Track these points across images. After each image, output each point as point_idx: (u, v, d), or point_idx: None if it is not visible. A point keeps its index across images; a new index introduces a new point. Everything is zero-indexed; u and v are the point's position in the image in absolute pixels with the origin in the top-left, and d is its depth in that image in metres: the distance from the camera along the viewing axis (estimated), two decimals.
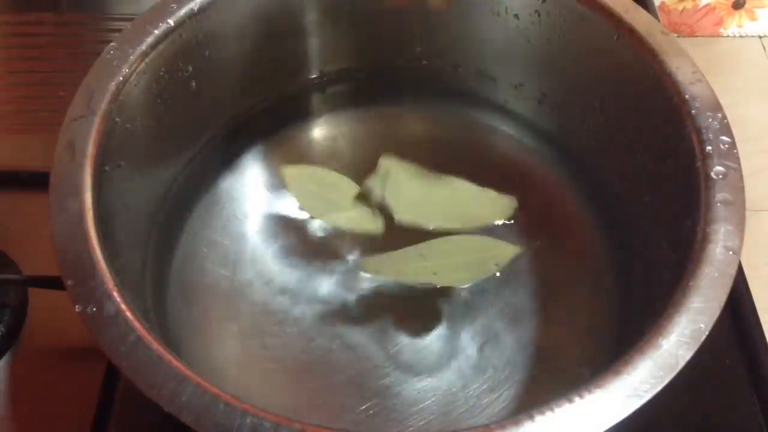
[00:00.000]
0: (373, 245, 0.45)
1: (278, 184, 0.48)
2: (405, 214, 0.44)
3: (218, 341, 0.42)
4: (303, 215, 0.47)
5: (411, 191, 0.45)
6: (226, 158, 0.49)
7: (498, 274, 0.42)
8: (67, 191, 0.36)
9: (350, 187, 0.46)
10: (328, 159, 0.50)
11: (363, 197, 0.46)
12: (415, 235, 0.43)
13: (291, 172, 0.47)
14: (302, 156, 0.50)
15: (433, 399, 0.40)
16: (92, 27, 0.60)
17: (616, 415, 0.31)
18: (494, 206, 0.44)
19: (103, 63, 0.41)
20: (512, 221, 0.44)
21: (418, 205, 0.44)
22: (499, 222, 0.44)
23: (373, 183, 0.45)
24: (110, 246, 0.36)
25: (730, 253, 0.35)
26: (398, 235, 0.44)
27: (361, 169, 0.49)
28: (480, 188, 0.44)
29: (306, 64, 0.52)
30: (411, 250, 0.42)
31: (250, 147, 0.50)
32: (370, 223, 0.45)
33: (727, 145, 0.38)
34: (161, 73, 0.43)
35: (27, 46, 0.59)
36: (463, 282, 0.42)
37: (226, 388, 0.31)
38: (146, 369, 0.31)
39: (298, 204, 0.46)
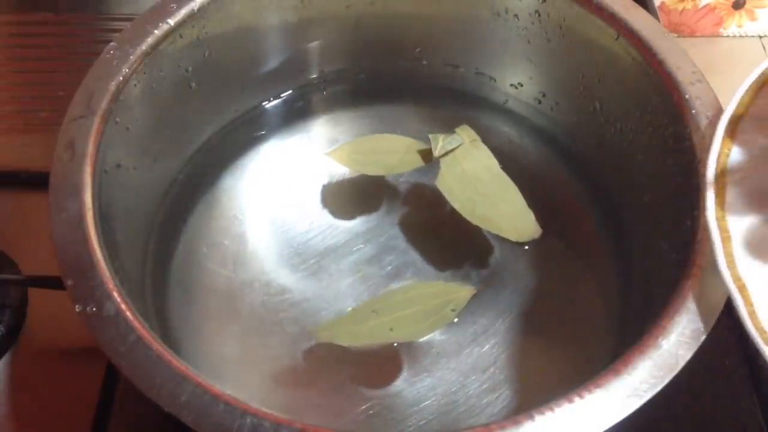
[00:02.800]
0: (378, 242, 0.45)
1: (278, 184, 0.48)
2: (443, 184, 0.44)
3: (218, 341, 0.42)
4: (303, 215, 0.47)
5: (462, 169, 0.45)
6: (226, 158, 0.49)
7: (456, 320, 0.42)
8: (67, 191, 0.36)
9: (397, 138, 0.47)
10: (329, 159, 0.50)
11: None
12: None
13: (338, 154, 0.47)
14: (302, 155, 0.50)
15: (433, 399, 0.40)
16: (92, 27, 0.60)
17: (616, 415, 0.31)
18: (520, 225, 0.43)
19: (103, 63, 0.41)
20: (523, 245, 0.44)
21: (458, 183, 0.44)
22: (511, 239, 0.43)
23: (436, 141, 0.46)
24: (110, 246, 0.36)
25: None
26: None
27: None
28: (524, 204, 0.44)
29: (306, 64, 0.52)
30: (363, 308, 0.41)
31: (250, 147, 0.50)
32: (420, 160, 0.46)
33: None
34: (161, 73, 0.43)
35: (27, 46, 0.59)
36: (420, 335, 0.41)
37: (226, 388, 0.31)
38: (146, 369, 0.31)
39: (364, 172, 0.47)
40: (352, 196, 0.48)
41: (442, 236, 0.46)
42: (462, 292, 0.41)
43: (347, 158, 0.47)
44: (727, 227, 0.34)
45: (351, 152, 0.47)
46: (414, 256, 0.45)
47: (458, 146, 0.46)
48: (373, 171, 0.47)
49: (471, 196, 0.44)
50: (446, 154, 0.46)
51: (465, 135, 0.47)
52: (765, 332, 0.32)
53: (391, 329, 0.40)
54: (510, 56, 0.50)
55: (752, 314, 0.32)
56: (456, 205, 0.44)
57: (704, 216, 0.35)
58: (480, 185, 0.44)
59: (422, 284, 0.43)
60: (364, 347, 0.41)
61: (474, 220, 0.43)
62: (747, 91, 0.37)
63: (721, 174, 0.36)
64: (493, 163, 0.45)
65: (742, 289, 0.33)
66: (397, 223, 0.47)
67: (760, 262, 0.34)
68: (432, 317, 0.40)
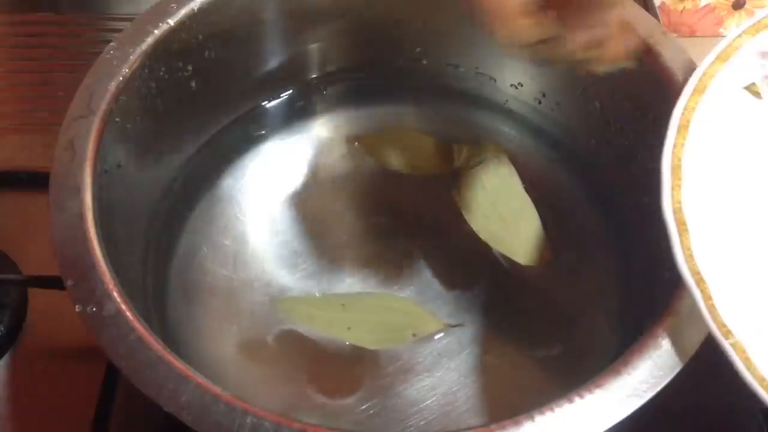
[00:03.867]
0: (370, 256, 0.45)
1: (278, 184, 0.48)
2: (460, 196, 0.44)
3: (218, 341, 0.42)
4: (303, 215, 0.47)
5: (483, 184, 0.45)
6: (226, 158, 0.49)
7: (413, 340, 0.41)
8: (67, 191, 0.36)
9: (426, 138, 0.47)
10: (329, 159, 0.50)
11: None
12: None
13: (365, 142, 0.47)
14: (302, 155, 0.50)
15: (433, 399, 0.40)
16: (92, 27, 0.60)
17: (616, 415, 0.31)
18: (532, 248, 0.43)
19: (103, 63, 0.41)
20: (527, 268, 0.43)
21: (475, 197, 0.44)
22: (520, 262, 0.43)
23: (460, 151, 0.46)
24: (110, 246, 0.36)
25: None
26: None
27: (361, 169, 0.49)
28: (539, 227, 0.43)
29: (306, 64, 0.52)
30: (334, 299, 0.41)
31: (250, 147, 0.50)
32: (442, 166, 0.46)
33: None
34: (161, 73, 0.43)
35: (27, 46, 0.59)
36: (373, 344, 0.40)
37: (226, 388, 0.31)
38: (146, 369, 0.31)
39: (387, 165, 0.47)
40: (353, 197, 0.48)
41: (448, 244, 0.46)
42: (430, 324, 0.41)
43: (372, 148, 0.47)
44: (684, 219, 0.34)
45: (377, 143, 0.47)
46: (413, 258, 0.45)
47: (482, 160, 0.45)
48: (393, 166, 0.46)
49: (486, 213, 0.43)
50: (469, 166, 0.45)
51: (491, 150, 0.46)
52: (724, 326, 0.31)
53: (348, 328, 0.40)
54: (510, 56, 0.50)
55: (711, 308, 0.32)
56: (469, 219, 0.43)
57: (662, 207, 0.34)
58: (499, 203, 0.44)
59: (397, 299, 0.42)
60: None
61: (485, 237, 0.43)
62: (700, 77, 0.37)
63: (677, 165, 0.35)
64: (516, 182, 0.45)
65: (700, 282, 0.32)
66: (400, 226, 0.47)
67: (719, 254, 0.33)
68: (391, 333, 0.40)
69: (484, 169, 0.45)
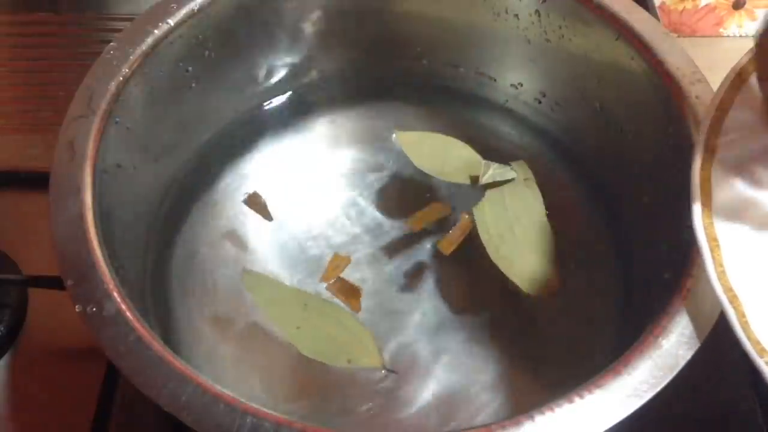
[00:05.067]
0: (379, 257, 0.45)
1: (278, 184, 0.48)
2: (479, 212, 0.43)
3: (218, 341, 0.42)
4: (303, 215, 0.47)
5: (505, 204, 0.44)
6: (226, 158, 0.49)
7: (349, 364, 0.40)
8: (67, 191, 0.36)
9: (464, 148, 0.47)
10: (329, 159, 0.50)
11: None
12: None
13: (403, 138, 0.47)
14: (302, 155, 0.50)
15: (433, 399, 0.40)
16: (92, 27, 0.60)
17: (616, 415, 0.31)
18: (539, 279, 0.42)
19: (103, 63, 0.41)
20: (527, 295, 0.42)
21: (494, 216, 0.43)
22: (524, 290, 0.42)
23: (486, 168, 0.45)
24: (110, 246, 0.36)
25: None
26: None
27: (360, 168, 0.49)
28: (553, 258, 0.43)
29: (306, 64, 0.52)
30: (301, 295, 0.41)
31: (250, 147, 0.50)
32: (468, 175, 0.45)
33: None
34: (161, 73, 0.43)
35: (27, 46, 0.59)
36: (307, 351, 0.39)
37: (225, 388, 0.31)
38: (146, 369, 0.31)
39: (416, 164, 0.46)
40: (354, 197, 0.48)
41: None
42: (369, 359, 0.40)
43: (408, 144, 0.46)
44: (715, 235, 0.33)
45: (415, 141, 0.47)
46: (412, 262, 0.45)
47: (509, 180, 0.45)
48: (423, 167, 0.46)
49: (503, 234, 0.43)
50: (494, 184, 0.45)
51: (520, 171, 0.46)
52: (759, 343, 0.31)
53: (297, 327, 0.40)
54: (510, 56, 0.50)
55: (745, 325, 0.31)
56: (483, 237, 0.43)
57: (693, 223, 0.34)
58: (517, 227, 0.43)
59: (357, 323, 0.41)
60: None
61: (494, 258, 0.42)
62: (721, 95, 0.36)
63: (706, 179, 0.35)
64: (539, 208, 0.44)
65: (733, 299, 0.32)
66: (400, 228, 0.47)
67: (751, 270, 0.33)
68: (330, 350, 0.40)
69: (509, 189, 0.45)
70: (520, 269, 0.42)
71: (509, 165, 0.46)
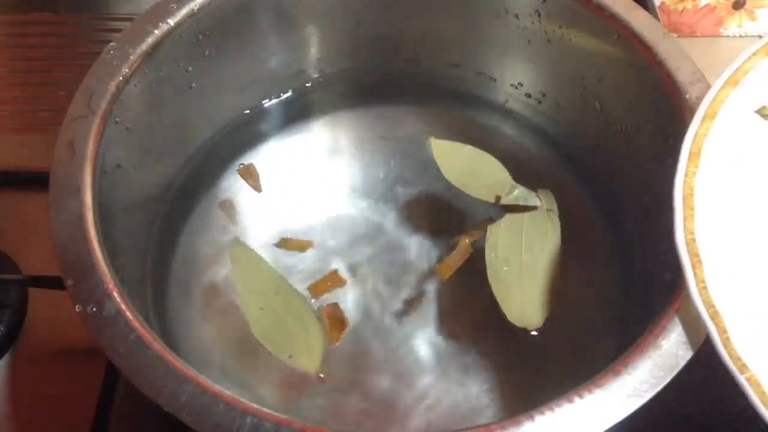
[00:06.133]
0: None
1: (278, 184, 0.48)
2: (494, 230, 0.43)
3: (218, 341, 0.42)
4: (303, 215, 0.47)
5: (522, 230, 0.43)
6: (226, 158, 0.49)
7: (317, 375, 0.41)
8: (67, 191, 0.36)
9: (498, 169, 0.46)
10: (329, 159, 0.50)
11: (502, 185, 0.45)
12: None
13: (437, 145, 0.46)
14: (302, 155, 0.50)
15: (433, 399, 0.40)
16: (92, 27, 0.60)
17: (616, 415, 0.31)
18: (527, 311, 0.41)
19: (103, 63, 0.41)
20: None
21: (506, 238, 0.43)
22: (509, 318, 0.41)
23: (511, 190, 0.44)
24: (110, 246, 0.36)
25: None
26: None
27: (361, 168, 0.49)
28: (547, 295, 0.42)
29: (306, 64, 0.52)
30: (277, 280, 0.42)
31: (250, 147, 0.50)
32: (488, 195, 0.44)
33: None
34: (161, 73, 0.43)
35: (27, 46, 0.59)
36: (259, 335, 0.40)
37: (226, 388, 0.31)
38: (146, 369, 0.31)
39: (444, 174, 0.45)
40: (354, 196, 0.48)
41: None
42: (311, 363, 0.40)
43: (441, 153, 0.46)
44: (697, 250, 0.33)
45: (448, 151, 0.46)
46: (412, 262, 0.45)
47: (531, 207, 0.44)
48: (451, 178, 0.45)
49: (509, 258, 0.42)
50: (517, 208, 0.44)
51: (545, 200, 0.45)
52: (740, 360, 0.30)
53: (260, 308, 0.41)
54: (510, 56, 0.50)
55: (726, 341, 0.31)
56: (489, 257, 0.42)
57: (675, 238, 0.33)
58: (526, 254, 0.42)
59: (315, 322, 0.41)
60: (366, 344, 0.42)
61: (491, 280, 0.41)
62: (711, 102, 0.36)
63: (689, 194, 0.34)
64: (554, 240, 0.43)
65: (714, 315, 0.31)
66: (399, 229, 0.47)
67: (733, 286, 0.32)
68: (279, 339, 0.40)
69: (530, 217, 0.44)
70: (512, 297, 0.41)
71: (535, 192, 0.45)
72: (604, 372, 0.32)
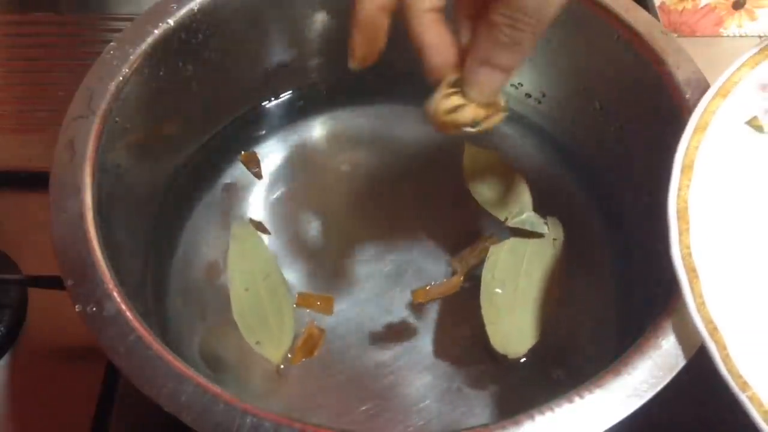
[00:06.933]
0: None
1: (278, 184, 0.48)
2: (496, 250, 0.42)
3: (218, 341, 0.42)
4: (303, 215, 0.47)
5: (525, 255, 0.43)
6: (226, 158, 0.49)
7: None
8: (67, 191, 0.36)
9: (521, 185, 0.45)
10: (329, 159, 0.50)
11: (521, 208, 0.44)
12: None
13: (469, 151, 0.46)
14: (302, 155, 0.50)
15: (433, 399, 0.40)
16: (92, 27, 0.60)
17: (616, 415, 0.31)
18: (513, 340, 0.40)
19: (103, 63, 0.41)
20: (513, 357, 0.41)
21: (506, 260, 0.42)
22: (492, 344, 0.40)
23: (520, 212, 0.44)
24: (110, 246, 0.36)
25: None
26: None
27: (361, 169, 0.49)
28: (537, 326, 0.41)
29: (306, 63, 0.52)
30: (271, 265, 0.43)
31: (250, 146, 0.50)
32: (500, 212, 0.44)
33: None
34: (161, 74, 0.43)
35: (27, 46, 0.59)
36: (236, 315, 0.41)
37: (225, 389, 0.31)
38: (146, 369, 0.31)
39: (467, 180, 0.45)
40: (354, 196, 0.48)
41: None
42: (275, 353, 0.40)
43: (470, 159, 0.46)
44: (694, 265, 0.32)
45: (478, 159, 0.46)
46: (412, 262, 0.45)
47: (537, 234, 0.44)
48: (471, 187, 0.45)
49: (505, 281, 0.42)
50: (523, 232, 0.44)
51: (553, 230, 0.45)
52: (741, 377, 0.30)
53: (246, 289, 0.42)
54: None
55: (726, 358, 0.30)
56: (485, 277, 0.42)
57: (670, 253, 0.33)
58: (523, 281, 0.42)
59: (291, 318, 0.42)
60: (366, 344, 0.42)
61: (482, 300, 0.41)
62: (701, 114, 0.36)
63: (684, 207, 0.34)
64: (555, 271, 0.43)
65: (713, 332, 0.31)
66: (398, 226, 0.47)
67: (732, 301, 0.32)
68: (253, 323, 0.41)
69: (534, 243, 0.44)
70: (501, 322, 0.41)
71: (545, 219, 0.44)
72: (604, 372, 0.32)
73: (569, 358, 0.42)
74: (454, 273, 0.44)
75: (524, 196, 0.45)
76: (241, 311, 0.41)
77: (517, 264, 0.42)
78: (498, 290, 0.41)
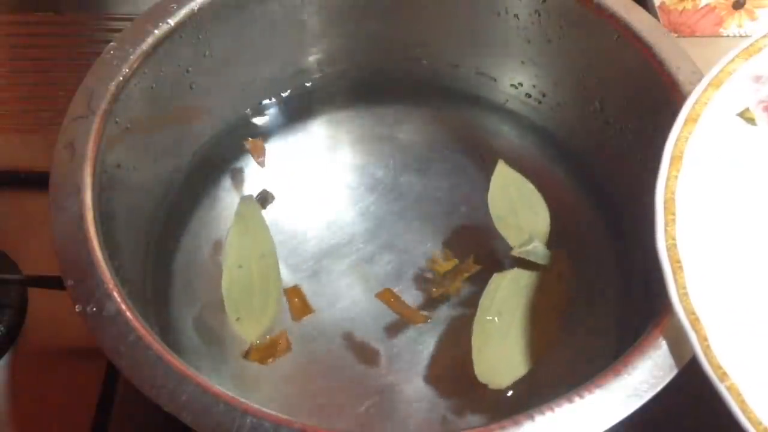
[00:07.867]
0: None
1: (278, 184, 0.48)
2: (499, 277, 0.42)
3: (218, 341, 0.42)
4: (302, 215, 0.47)
5: (527, 284, 0.42)
6: (226, 158, 0.49)
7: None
8: (67, 191, 0.36)
9: (543, 215, 0.44)
10: (329, 159, 0.50)
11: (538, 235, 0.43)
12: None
13: (500, 169, 0.45)
14: (302, 155, 0.50)
15: (433, 398, 0.40)
16: (92, 27, 0.60)
17: (616, 415, 0.31)
18: (499, 369, 0.39)
19: (103, 63, 0.41)
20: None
21: (507, 288, 0.41)
22: (476, 374, 0.39)
23: (527, 243, 0.42)
24: (110, 246, 0.36)
25: None
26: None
27: (360, 169, 0.49)
28: (526, 361, 0.39)
29: (306, 64, 0.52)
30: (269, 248, 0.43)
31: None
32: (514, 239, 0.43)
33: None
34: (161, 74, 0.43)
35: (27, 46, 0.59)
36: (224, 290, 0.41)
37: (226, 388, 0.31)
38: (146, 369, 0.31)
39: (489, 197, 0.44)
40: (353, 196, 0.48)
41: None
42: (251, 332, 0.41)
43: (499, 176, 0.45)
44: (678, 257, 0.32)
45: (507, 177, 0.45)
46: (411, 262, 0.45)
47: (541, 265, 0.43)
48: (491, 200, 0.44)
49: (502, 312, 0.40)
50: (528, 264, 0.42)
51: (559, 263, 0.43)
52: (720, 368, 0.30)
53: (239, 266, 0.42)
54: (510, 56, 0.50)
55: (707, 349, 0.30)
56: (483, 300, 0.41)
57: (656, 244, 0.33)
58: (519, 314, 0.41)
59: (275, 301, 0.42)
60: (366, 344, 0.42)
61: (474, 326, 0.40)
62: (693, 105, 0.36)
63: (671, 198, 0.34)
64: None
65: (695, 322, 0.31)
66: (398, 227, 0.47)
67: (715, 293, 0.32)
68: (239, 300, 0.41)
69: (539, 276, 0.42)
70: (488, 350, 0.39)
71: (549, 251, 0.43)
72: (604, 372, 0.32)
73: (569, 359, 0.42)
74: (431, 289, 0.43)
75: (543, 225, 0.44)
76: (230, 286, 0.41)
77: (518, 295, 0.41)
78: (494, 318, 0.40)
